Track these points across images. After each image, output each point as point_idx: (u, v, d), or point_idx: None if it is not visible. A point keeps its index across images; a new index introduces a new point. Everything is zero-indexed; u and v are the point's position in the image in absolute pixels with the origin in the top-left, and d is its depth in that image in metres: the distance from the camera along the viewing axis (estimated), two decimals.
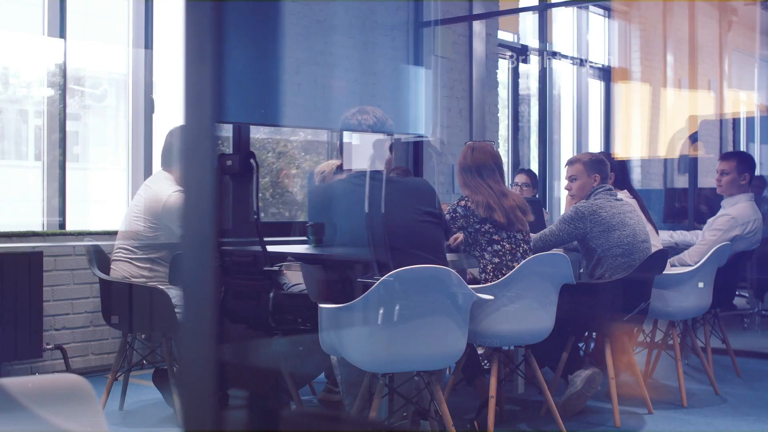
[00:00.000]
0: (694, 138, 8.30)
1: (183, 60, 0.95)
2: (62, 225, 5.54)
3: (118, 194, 6.16)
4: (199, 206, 0.98)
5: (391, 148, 3.91)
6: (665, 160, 10.30)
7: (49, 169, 5.56)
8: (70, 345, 5.36)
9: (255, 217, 3.49)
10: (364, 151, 3.96)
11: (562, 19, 9.66)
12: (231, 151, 6.18)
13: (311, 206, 4.55)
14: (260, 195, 5.84)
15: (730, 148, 10.62)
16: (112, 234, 5.37)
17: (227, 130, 6.34)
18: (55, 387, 1.54)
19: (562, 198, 9.54)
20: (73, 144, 5.92)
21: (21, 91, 5.72)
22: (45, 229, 5.46)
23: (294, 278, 4.18)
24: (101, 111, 6.24)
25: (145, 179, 5.94)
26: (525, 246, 4.21)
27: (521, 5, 9.39)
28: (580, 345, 5.03)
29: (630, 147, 9.90)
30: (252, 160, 3.46)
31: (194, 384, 0.99)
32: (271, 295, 3.53)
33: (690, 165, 8.00)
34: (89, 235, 5.26)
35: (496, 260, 4.12)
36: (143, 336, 4.74)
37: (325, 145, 7.18)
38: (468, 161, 4.20)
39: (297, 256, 3.84)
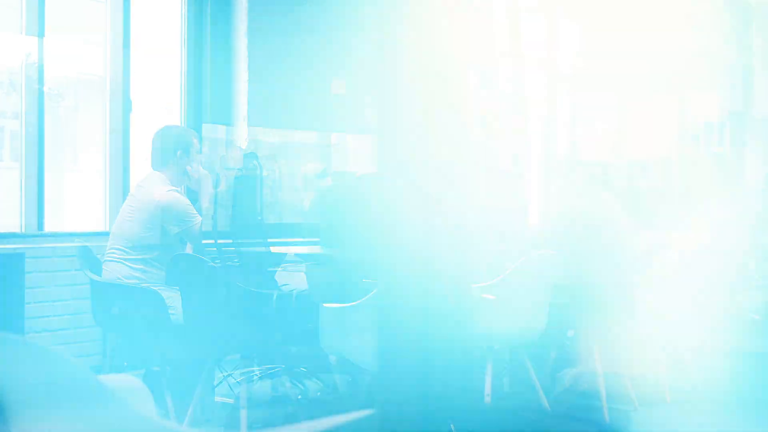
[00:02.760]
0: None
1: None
2: (41, 226, 5.45)
3: (93, 196, 6.07)
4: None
5: None
6: (628, 162, 10.45)
7: (26, 170, 5.47)
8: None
9: (259, 218, 3.48)
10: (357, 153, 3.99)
11: (530, 21, 9.74)
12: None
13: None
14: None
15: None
16: (93, 235, 5.31)
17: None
18: (125, 385, 1.63)
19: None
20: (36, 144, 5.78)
21: None
22: (24, 230, 5.37)
23: (284, 279, 4.17)
24: (69, 111, 6.14)
25: (123, 179, 5.88)
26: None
27: None
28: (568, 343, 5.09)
29: (596, 149, 10.05)
30: (255, 161, 3.44)
31: (397, 388, 0.99)
32: (275, 295, 3.52)
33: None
34: (72, 236, 5.19)
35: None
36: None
37: (310, 147, 7.15)
38: None
39: (304, 257, 3.84)
